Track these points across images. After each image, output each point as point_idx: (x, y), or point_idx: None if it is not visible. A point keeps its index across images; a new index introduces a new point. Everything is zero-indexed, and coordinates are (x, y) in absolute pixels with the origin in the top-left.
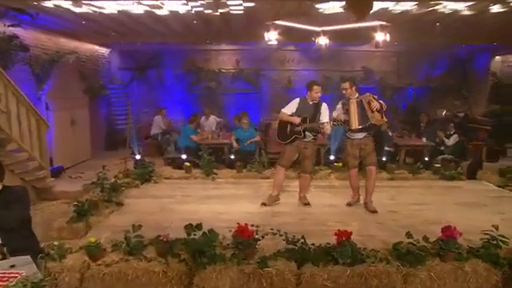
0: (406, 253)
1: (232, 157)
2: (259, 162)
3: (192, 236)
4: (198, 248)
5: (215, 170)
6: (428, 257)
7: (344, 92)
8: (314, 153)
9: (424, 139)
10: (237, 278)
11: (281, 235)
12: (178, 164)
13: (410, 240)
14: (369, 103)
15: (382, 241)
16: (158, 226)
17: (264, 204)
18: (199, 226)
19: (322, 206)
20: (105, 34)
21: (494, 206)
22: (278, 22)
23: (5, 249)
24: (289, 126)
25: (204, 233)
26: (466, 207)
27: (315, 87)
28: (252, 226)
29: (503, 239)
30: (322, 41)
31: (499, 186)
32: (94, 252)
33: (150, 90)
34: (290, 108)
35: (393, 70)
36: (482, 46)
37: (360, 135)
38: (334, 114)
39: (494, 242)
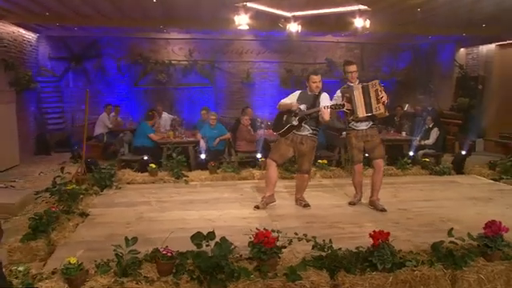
0: (448, 253)
1: (203, 157)
2: (229, 162)
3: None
4: (213, 262)
5: (185, 172)
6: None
7: (350, 76)
8: (312, 150)
9: (404, 133)
10: None
11: (309, 240)
12: (140, 166)
13: (451, 239)
14: (376, 92)
15: (407, 241)
16: (143, 239)
17: (257, 207)
18: (211, 235)
19: (324, 207)
20: (31, 13)
21: (499, 200)
22: (249, 5)
23: None
24: (285, 117)
25: (217, 243)
26: (475, 202)
27: (313, 77)
28: (273, 231)
29: None
30: (293, 28)
31: (494, 180)
32: (76, 276)
33: (89, 83)
34: (289, 99)
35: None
36: (447, 38)
37: (365, 125)
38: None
39: None
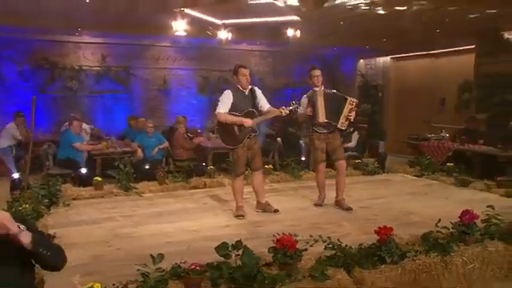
0: (436, 242)
1: (147, 167)
2: (167, 171)
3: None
4: (247, 271)
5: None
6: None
7: (315, 80)
8: (259, 146)
9: None
10: None
11: (324, 241)
12: (79, 180)
13: (438, 229)
14: (350, 110)
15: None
16: (135, 256)
17: (242, 216)
18: (238, 245)
19: (291, 210)
20: None
21: (434, 193)
22: (187, 11)
23: None
24: (236, 128)
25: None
26: (415, 196)
27: (243, 70)
28: (290, 235)
29: (499, 217)
30: (223, 35)
31: (417, 176)
32: None
33: None
34: (226, 105)
35: (269, 70)
36: (348, 49)
37: (327, 129)
38: (300, 110)
39: (495, 221)
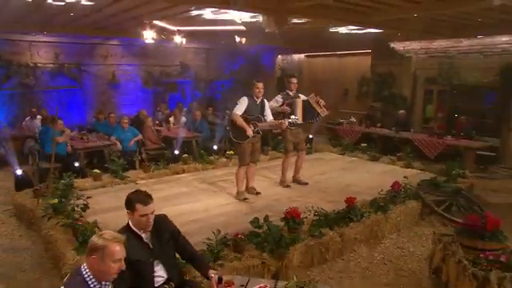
0: (379, 205)
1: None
2: (140, 160)
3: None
4: (276, 236)
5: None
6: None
7: (292, 86)
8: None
9: None
10: (305, 251)
11: (316, 211)
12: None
13: (380, 195)
14: (317, 102)
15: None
16: None
17: (246, 198)
18: (266, 218)
19: (267, 188)
20: None
21: (359, 168)
22: (155, 22)
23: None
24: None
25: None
26: (346, 171)
27: (257, 84)
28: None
29: (410, 183)
30: (178, 39)
31: (341, 154)
32: None
33: None
34: (241, 108)
35: (204, 64)
36: (268, 47)
37: (296, 127)
38: (274, 104)
39: (409, 187)
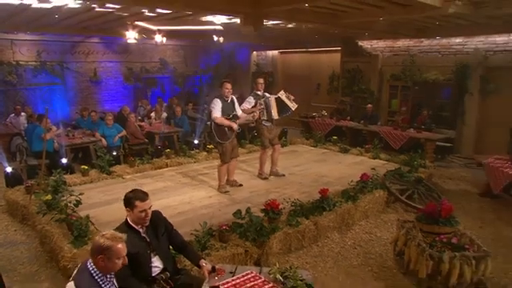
0: (349, 195)
1: (114, 153)
2: (124, 155)
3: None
4: (257, 225)
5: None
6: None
7: (259, 86)
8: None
9: None
10: (284, 238)
11: (292, 202)
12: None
13: (350, 186)
14: (287, 97)
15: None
16: None
17: (228, 191)
18: (248, 210)
19: (246, 180)
20: None
21: (330, 159)
22: (137, 23)
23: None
24: (226, 129)
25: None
26: (319, 162)
27: (227, 84)
28: (274, 200)
29: (377, 174)
30: (158, 38)
31: (313, 147)
32: None
33: None
34: (218, 110)
35: (182, 60)
36: (244, 44)
37: (271, 123)
38: (247, 105)
39: (376, 177)
